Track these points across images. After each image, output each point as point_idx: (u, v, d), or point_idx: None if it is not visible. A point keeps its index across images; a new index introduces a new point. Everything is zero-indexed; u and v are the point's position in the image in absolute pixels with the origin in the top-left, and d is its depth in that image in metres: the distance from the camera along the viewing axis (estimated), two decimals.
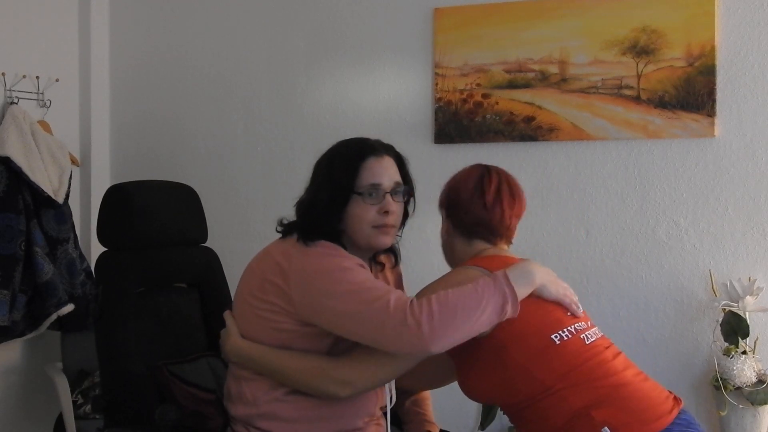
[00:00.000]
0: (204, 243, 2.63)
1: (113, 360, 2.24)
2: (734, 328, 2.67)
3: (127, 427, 2.18)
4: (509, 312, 1.66)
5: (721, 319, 2.71)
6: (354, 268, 1.76)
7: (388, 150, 1.89)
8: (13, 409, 3.09)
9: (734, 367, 2.63)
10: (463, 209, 1.89)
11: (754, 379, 2.63)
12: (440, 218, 1.99)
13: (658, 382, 1.80)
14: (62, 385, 2.84)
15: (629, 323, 2.88)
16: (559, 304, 1.78)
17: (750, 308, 2.66)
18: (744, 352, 2.66)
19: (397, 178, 1.87)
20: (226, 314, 1.97)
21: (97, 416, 2.81)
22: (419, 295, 1.76)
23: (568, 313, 1.77)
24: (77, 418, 2.84)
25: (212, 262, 2.61)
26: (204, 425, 2.03)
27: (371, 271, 1.94)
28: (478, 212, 1.87)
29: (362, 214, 1.82)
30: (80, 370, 2.93)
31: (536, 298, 1.74)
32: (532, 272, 1.74)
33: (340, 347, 1.81)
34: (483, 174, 1.91)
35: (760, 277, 2.75)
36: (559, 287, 1.79)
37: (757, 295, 2.68)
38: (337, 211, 1.82)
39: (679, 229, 2.86)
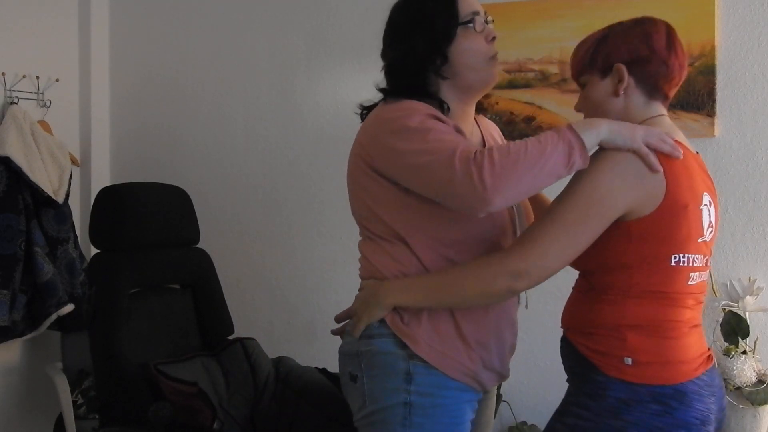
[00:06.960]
0: (196, 244, 2.62)
1: (107, 360, 2.25)
2: (734, 328, 2.67)
3: (122, 426, 2.19)
4: (578, 162, 1.49)
5: (721, 319, 2.70)
6: (426, 120, 1.58)
7: None
8: (13, 409, 3.10)
9: (734, 367, 2.63)
10: (657, 61, 1.67)
11: (754, 379, 2.63)
12: None
13: None
14: (62, 385, 2.85)
15: None
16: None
17: (750, 308, 2.66)
18: (744, 352, 2.66)
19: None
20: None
21: (96, 416, 2.81)
22: None
23: (699, 239, 1.59)
24: (77, 418, 2.84)
25: (205, 263, 2.61)
26: (195, 419, 2.04)
27: (472, 121, 1.79)
28: (671, 65, 1.67)
29: (475, 45, 1.63)
30: (80, 370, 2.93)
31: (685, 209, 1.56)
32: (598, 121, 1.55)
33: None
34: (668, 29, 1.72)
35: (760, 277, 2.74)
36: (636, 133, 1.53)
37: (757, 295, 2.68)
38: (442, 54, 1.62)
39: None
